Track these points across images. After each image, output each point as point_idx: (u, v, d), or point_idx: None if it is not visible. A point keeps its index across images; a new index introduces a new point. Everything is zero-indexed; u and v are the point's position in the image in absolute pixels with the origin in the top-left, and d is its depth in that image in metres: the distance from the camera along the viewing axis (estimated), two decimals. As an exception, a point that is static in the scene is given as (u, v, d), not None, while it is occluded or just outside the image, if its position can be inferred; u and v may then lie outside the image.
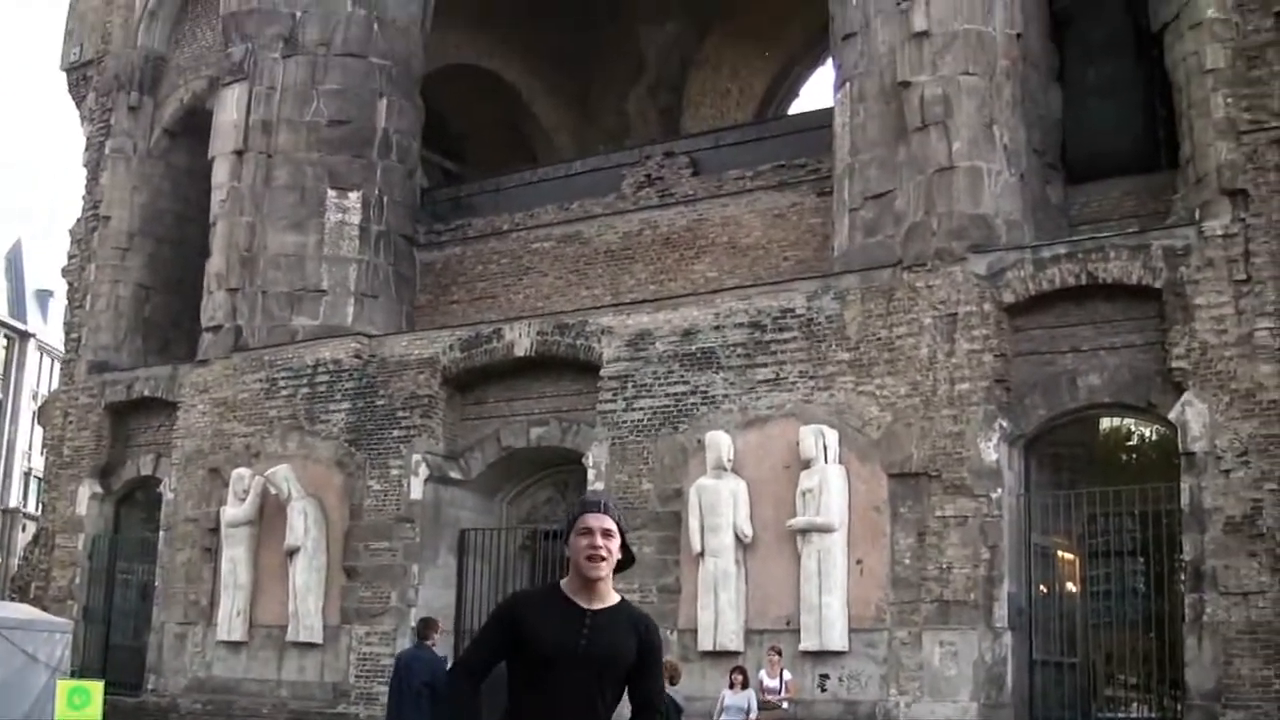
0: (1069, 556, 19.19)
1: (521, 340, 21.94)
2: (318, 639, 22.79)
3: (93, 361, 28.21)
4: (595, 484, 20.43)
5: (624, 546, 5.02)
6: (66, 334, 30.21)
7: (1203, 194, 17.39)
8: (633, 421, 20.50)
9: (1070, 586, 19.29)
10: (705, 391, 20.03)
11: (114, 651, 27.10)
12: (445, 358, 22.61)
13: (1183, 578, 17.09)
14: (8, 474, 73.29)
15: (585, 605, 4.90)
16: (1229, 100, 17.29)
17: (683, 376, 20.24)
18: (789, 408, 19.31)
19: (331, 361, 23.89)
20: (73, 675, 23.28)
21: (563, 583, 5.02)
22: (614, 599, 4.98)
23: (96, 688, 20.20)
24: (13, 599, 30.00)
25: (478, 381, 22.77)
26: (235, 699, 23.60)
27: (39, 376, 74.16)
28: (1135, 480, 18.88)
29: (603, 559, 4.90)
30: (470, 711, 4.91)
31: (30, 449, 68.05)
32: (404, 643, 20.40)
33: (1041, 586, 18.66)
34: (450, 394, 22.71)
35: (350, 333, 24.26)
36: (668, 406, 20.28)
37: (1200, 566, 16.44)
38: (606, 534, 4.90)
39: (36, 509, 49.16)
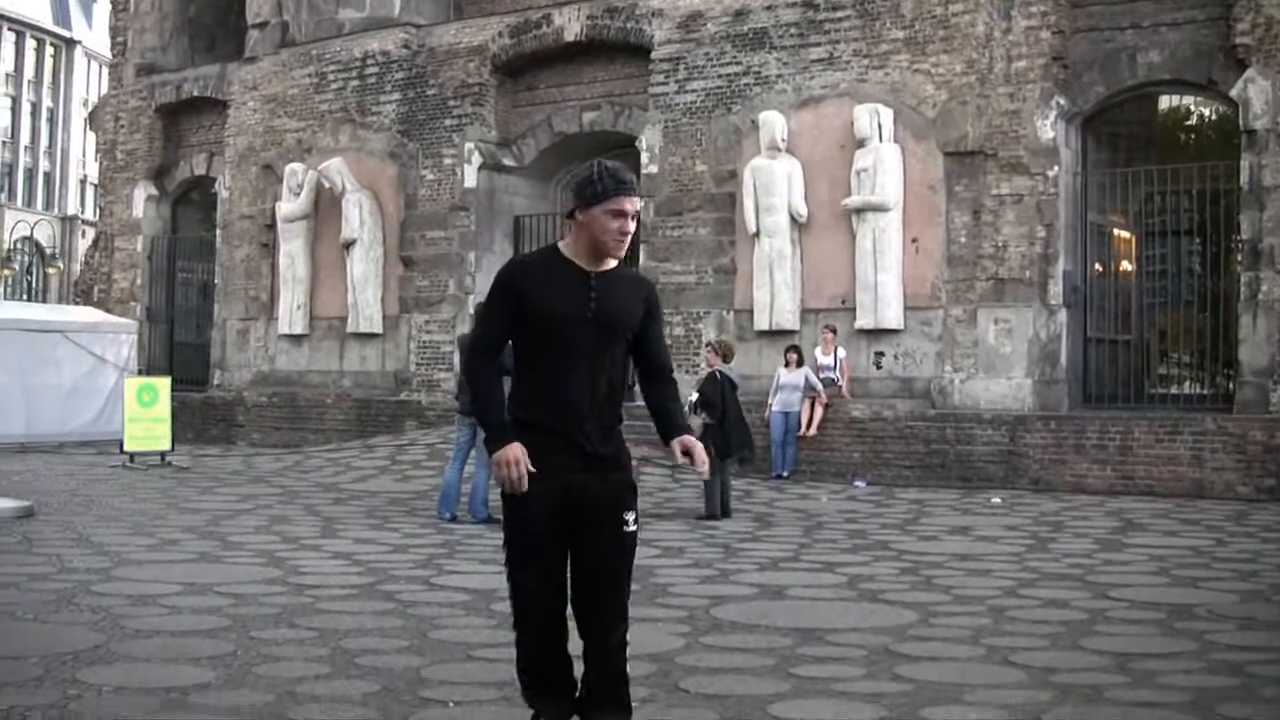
0: (1125, 235, 19.14)
1: (571, 25, 21.60)
2: (377, 329, 23.18)
3: (140, 64, 28.03)
4: (650, 167, 20.39)
5: None
6: (112, 38, 29.95)
7: None
8: (685, 103, 20.31)
9: (1126, 265, 19.29)
10: (758, 72, 19.76)
11: (179, 349, 27.72)
12: (495, 45, 22.33)
13: (1239, 257, 17.01)
14: (64, 182, 73.86)
15: (589, 268, 4.76)
16: None
17: (735, 57, 19.95)
18: (843, 87, 19.07)
19: (380, 53, 23.65)
20: (140, 374, 23.87)
21: (561, 245, 4.86)
22: (613, 262, 4.83)
23: (164, 384, 20.62)
24: (77, 303, 30.51)
25: (528, 68, 22.54)
26: (299, 390, 24.13)
27: (88, 83, 74.01)
28: (1194, 159, 18.67)
29: (627, 242, 4.80)
30: (492, 386, 4.85)
31: (84, 156, 68.34)
32: (463, 329, 20.67)
33: (1097, 265, 18.66)
34: (501, 81, 22.51)
35: (398, 23, 23.92)
36: (720, 87, 20.04)
37: (1257, 245, 16.36)
38: (634, 217, 4.76)
39: (94, 215, 49.51)
